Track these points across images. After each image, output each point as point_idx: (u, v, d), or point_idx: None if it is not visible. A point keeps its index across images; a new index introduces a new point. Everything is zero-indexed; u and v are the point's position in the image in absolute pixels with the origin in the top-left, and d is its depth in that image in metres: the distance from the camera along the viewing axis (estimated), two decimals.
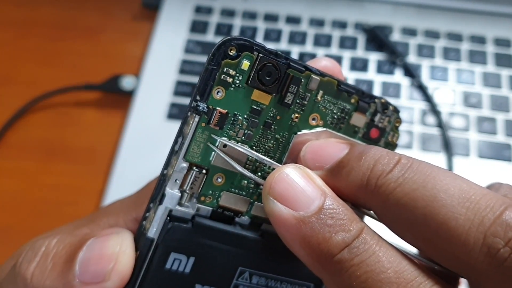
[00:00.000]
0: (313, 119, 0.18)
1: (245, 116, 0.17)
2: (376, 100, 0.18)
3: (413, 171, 0.14)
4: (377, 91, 0.48)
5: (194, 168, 0.16)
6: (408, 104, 0.48)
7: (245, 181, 0.17)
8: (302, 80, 0.17)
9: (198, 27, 0.52)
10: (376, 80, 0.49)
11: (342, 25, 0.53)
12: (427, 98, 0.48)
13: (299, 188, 0.15)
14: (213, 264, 0.17)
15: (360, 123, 0.18)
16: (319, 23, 0.53)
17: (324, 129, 0.18)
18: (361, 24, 0.53)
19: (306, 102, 0.17)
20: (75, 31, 0.57)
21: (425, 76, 0.49)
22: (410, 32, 0.52)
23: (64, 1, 0.59)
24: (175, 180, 0.16)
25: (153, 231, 0.16)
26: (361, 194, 0.15)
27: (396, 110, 0.19)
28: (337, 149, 0.16)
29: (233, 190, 0.17)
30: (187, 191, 0.16)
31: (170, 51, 0.51)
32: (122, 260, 0.16)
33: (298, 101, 0.17)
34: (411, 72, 0.49)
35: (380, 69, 0.50)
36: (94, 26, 0.57)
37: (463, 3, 0.54)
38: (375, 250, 0.14)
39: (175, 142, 0.16)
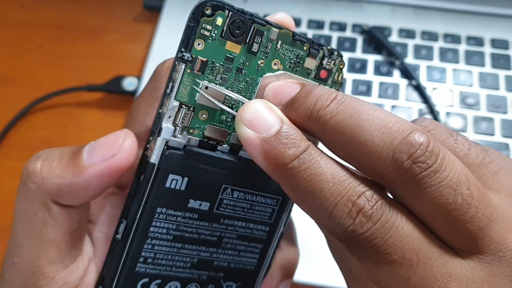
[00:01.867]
0: (275, 64, 0.22)
1: (221, 63, 0.20)
2: (323, 47, 0.22)
3: (345, 105, 0.18)
4: (375, 92, 0.49)
5: (183, 106, 0.20)
6: (406, 105, 0.48)
7: (224, 116, 0.21)
8: (264, 32, 0.21)
9: None
10: (374, 81, 0.49)
11: (340, 26, 0.53)
12: (425, 99, 0.48)
13: (263, 117, 0.19)
14: (202, 183, 0.21)
15: (312, 66, 0.22)
16: (318, 24, 0.53)
17: (284, 72, 0.22)
18: (359, 25, 0.53)
19: (268, 50, 0.21)
20: (78, 32, 0.57)
21: (423, 77, 0.50)
22: (408, 33, 0.53)
23: (66, 3, 0.60)
24: (169, 117, 0.20)
25: (154, 158, 0.20)
26: (307, 123, 0.19)
27: (339, 55, 0.23)
28: (292, 88, 0.20)
29: (214, 123, 0.21)
30: (179, 125, 0.20)
31: (171, 53, 0.51)
32: (128, 140, 0.20)
33: (262, 49, 0.21)
34: (409, 73, 0.49)
35: (378, 70, 0.50)
36: (96, 28, 0.57)
37: (460, 4, 0.55)
38: (317, 160, 0.18)
39: (167, 86, 0.20)
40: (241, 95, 0.21)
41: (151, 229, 0.21)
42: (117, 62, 0.54)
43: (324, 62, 0.23)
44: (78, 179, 0.19)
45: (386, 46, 0.51)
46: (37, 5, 0.60)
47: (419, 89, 0.49)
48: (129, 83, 0.50)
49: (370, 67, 0.50)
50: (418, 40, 0.52)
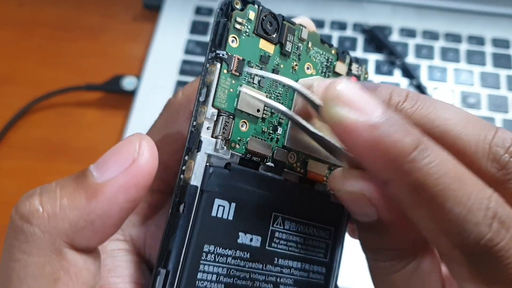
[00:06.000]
0: (307, 68, 0.20)
1: (257, 63, 0.18)
2: (348, 53, 0.21)
3: (422, 100, 0.17)
4: None
5: (222, 113, 0.17)
6: None
7: (265, 127, 0.18)
8: (296, 31, 0.19)
9: (198, 28, 0.52)
10: (375, 80, 0.49)
11: (341, 25, 0.53)
12: None
13: (365, 96, 0.15)
14: (251, 210, 0.18)
15: (342, 71, 0.21)
16: (318, 23, 0.53)
17: (318, 76, 0.20)
18: (360, 24, 0.53)
19: (300, 52, 0.19)
20: (77, 31, 0.57)
21: (424, 77, 0.50)
22: (409, 32, 0.53)
23: (66, 2, 0.59)
24: (207, 128, 0.17)
25: (195, 178, 0.16)
26: None
27: (363, 62, 0.22)
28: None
29: (256, 136, 0.18)
30: (220, 137, 0.17)
31: (171, 52, 0.51)
32: (146, 140, 0.15)
33: (294, 50, 0.19)
34: (410, 72, 0.49)
35: (379, 70, 0.50)
36: (95, 27, 0.57)
37: (461, 4, 0.54)
38: (440, 152, 0.15)
39: (199, 93, 0.17)
40: (279, 102, 0.18)
41: (199, 275, 0.16)
42: (117, 62, 0.54)
43: (353, 68, 0.21)
44: (97, 204, 0.15)
45: (387, 46, 0.51)
46: (36, 5, 0.59)
47: (420, 89, 0.48)
48: (128, 83, 0.50)
49: (371, 67, 0.50)
50: (419, 40, 0.52)
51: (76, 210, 0.15)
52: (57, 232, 0.15)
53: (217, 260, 0.17)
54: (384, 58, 0.51)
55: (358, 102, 0.15)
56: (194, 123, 0.17)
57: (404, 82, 0.49)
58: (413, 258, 0.18)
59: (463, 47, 0.51)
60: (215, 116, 0.17)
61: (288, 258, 0.19)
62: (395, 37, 0.52)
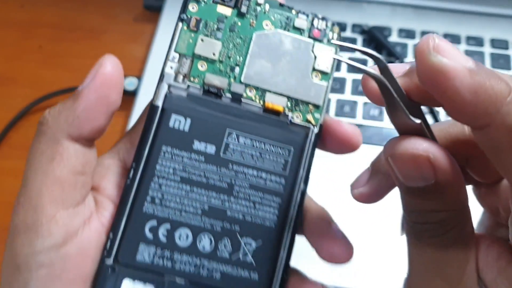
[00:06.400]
0: (266, 25, 0.24)
1: (214, 21, 0.23)
2: (311, 13, 0.25)
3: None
4: None
5: (184, 57, 0.23)
6: None
7: (222, 67, 0.23)
8: None
9: None
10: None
11: (340, 26, 0.53)
12: None
13: (456, 49, 0.17)
14: (205, 126, 0.23)
15: (303, 26, 0.24)
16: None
17: (276, 29, 0.24)
18: (359, 25, 0.53)
19: (257, 13, 0.24)
20: (78, 32, 0.57)
21: None
22: (408, 33, 0.53)
23: (66, 3, 0.60)
24: (170, 67, 0.23)
25: (158, 101, 0.22)
26: None
27: (327, 19, 0.25)
28: None
29: (214, 73, 0.23)
30: (180, 72, 0.23)
31: None
32: (108, 56, 0.22)
33: (251, 12, 0.24)
34: None
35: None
36: (96, 28, 0.58)
37: (460, 4, 0.55)
38: None
39: (170, 45, 0.23)
40: (237, 51, 0.24)
41: (157, 167, 0.22)
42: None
43: (315, 23, 0.24)
44: (79, 102, 0.21)
45: (386, 46, 0.51)
46: (37, 5, 0.60)
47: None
48: (129, 83, 0.50)
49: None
50: (418, 40, 0.52)
51: (67, 111, 0.21)
52: (57, 127, 0.21)
53: (173, 158, 0.22)
54: (383, 58, 0.51)
55: (454, 52, 0.16)
56: (163, 67, 0.23)
57: None
58: (454, 227, 0.19)
59: (462, 47, 0.52)
60: (176, 58, 0.23)
61: (243, 166, 0.23)
62: (394, 38, 0.52)
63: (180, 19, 0.23)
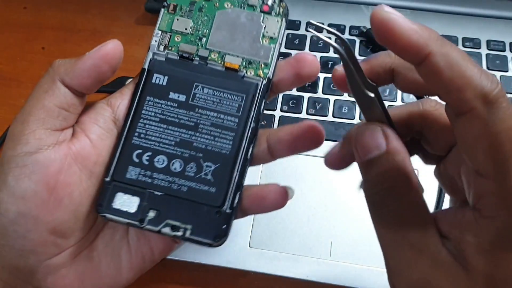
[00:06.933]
0: (227, 5, 0.31)
1: (187, 6, 0.31)
2: None
3: None
4: None
5: (164, 33, 0.31)
6: None
7: (192, 38, 0.30)
8: None
9: None
10: None
11: (339, 28, 0.54)
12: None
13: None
14: (178, 81, 0.30)
15: (256, 3, 0.31)
16: (316, 27, 0.54)
17: (234, 8, 0.31)
18: (357, 27, 0.54)
19: None
20: (80, 34, 0.58)
21: None
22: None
23: (69, 5, 0.60)
24: (155, 40, 0.31)
25: (145, 65, 0.30)
26: None
27: None
28: None
29: (186, 43, 0.31)
30: (161, 44, 0.30)
31: None
32: (112, 39, 0.29)
33: None
34: None
35: None
36: (99, 30, 0.58)
37: (457, 6, 0.55)
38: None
39: (156, 25, 0.31)
40: (204, 26, 0.31)
41: (143, 112, 0.30)
42: (120, 64, 0.55)
43: (265, 0, 0.31)
44: (78, 62, 0.28)
45: (383, 48, 0.51)
46: (40, 8, 0.60)
47: None
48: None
49: None
50: None
51: (68, 64, 0.28)
52: (57, 72, 0.28)
53: (154, 105, 0.30)
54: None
55: (397, 12, 0.22)
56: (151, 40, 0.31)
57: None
58: (404, 195, 0.23)
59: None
60: (159, 34, 0.31)
61: (206, 109, 0.30)
62: None
63: (163, 6, 0.31)
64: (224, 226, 0.29)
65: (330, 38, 0.25)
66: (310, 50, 0.52)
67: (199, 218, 0.29)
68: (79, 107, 0.29)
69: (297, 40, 0.53)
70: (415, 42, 0.21)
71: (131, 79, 0.32)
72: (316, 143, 0.29)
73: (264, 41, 0.30)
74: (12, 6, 0.61)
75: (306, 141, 0.29)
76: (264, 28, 0.30)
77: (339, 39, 0.25)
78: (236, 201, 0.29)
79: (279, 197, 0.29)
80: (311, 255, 0.40)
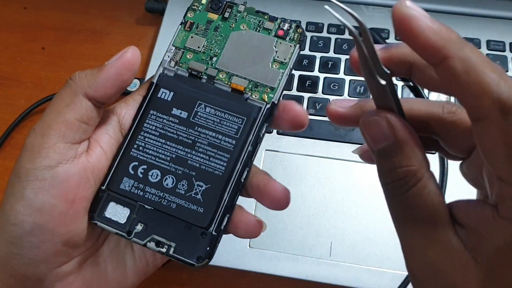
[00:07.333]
0: (242, 26, 0.31)
1: (204, 24, 0.31)
2: (280, 18, 0.31)
3: None
4: None
5: (177, 49, 0.31)
6: None
7: (203, 57, 0.31)
8: (234, 6, 0.31)
9: None
10: None
11: (339, 29, 0.54)
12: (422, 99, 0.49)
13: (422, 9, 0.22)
14: (183, 97, 0.30)
15: (271, 27, 0.31)
16: (316, 27, 0.54)
17: (249, 30, 0.31)
18: (357, 27, 0.54)
19: (237, 18, 0.31)
20: (81, 34, 0.58)
21: None
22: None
23: (70, 6, 0.60)
24: (168, 56, 0.31)
25: (155, 79, 0.30)
26: None
27: (297, 23, 0.31)
28: None
29: (196, 61, 0.31)
30: (173, 60, 0.31)
31: None
32: (132, 47, 0.29)
33: (232, 16, 0.31)
34: None
35: None
36: (99, 30, 0.58)
37: (457, 7, 0.55)
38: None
39: (171, 41, 0.31)
40: (217, 46, 0.31)
41: (145, 125, 0.30)
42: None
43: (281, 25, 0.31)
44: (101, 73, 0.28)
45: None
46: (40, 8, 0.60)
47: (416, 90, 0.49)
48: (132, 85, 0.51)
49: None
50: None
51: (90, 76, 0.28)
52: (79, 85, 0.28)
53: (156, 119, 0.30)
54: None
55: (421, 10, 0.21)
56: (163, 56, 0.31)
57: (400, 83, 0.50)
58: (416, 183, 0.23)
59: None
60: (173, 50, 0.31)
61: (206, 128, 0.30)
62: (392, 40, 0.53)
63: (181, 23, 0.31)
64: (208, 248, 0.28)
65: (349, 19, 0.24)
66: (310, 50, 0.52)
67: (184, 237, 0.29)
68: (97, 119, 0.29)
69: None
70: (433, 44, 0.21)
71: (136, 88, 0.33)
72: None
73: (273, 66, 0.30)
74: (12, 6, 0.61)
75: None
76: (276, 52, 0.30)
77: (356, 22, 0.23)
78: (223, 223, 0.29)
79: (251, 229, 0.29)
80: (311, 255, 0.40)
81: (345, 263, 0.40)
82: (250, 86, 0.30)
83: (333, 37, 0.53)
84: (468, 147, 0.26)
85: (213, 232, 0.29)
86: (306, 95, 0.49)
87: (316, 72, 0.51)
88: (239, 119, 0.30)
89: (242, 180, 0.29)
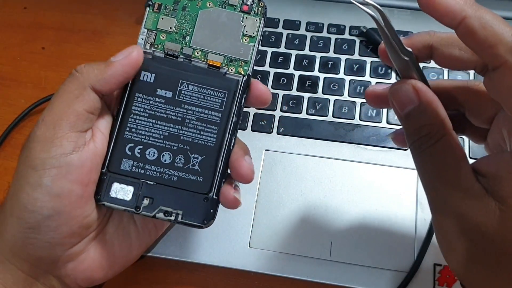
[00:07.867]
0: (209, 4, 0.33)
1: (170, 5, 0.32)
2: None
3: None
4: None
5: (150, 32, 0.33)
6: None
7: (176, 37, 0.32)
8: None
9: None
10: (372, 82, 0.50)
11: (338, 28, 0.54)
12: None
13: None
14: (165, 78, 0.32)
15: (236, 3, 0.33)
16: (316, 27, 0.54)
17: (216, 7, 0.33)
18: (357, 27, 0.54)
19: None
20: (80, 34, 0.58)
21: None
22: (405, 35, 0.53)
23: (69, 5, 0.60)
24: (141, 38, 0.33)
25: None
26: None
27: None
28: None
29: (171, 41, 0.32)
30: (147, 42, 0.32)
31: None
32: (137, 47, 0.32)
33: None
34: None
35: (376, 72, 0.51)
36: (99, 30, 0.58)
37: None
38: None
39: (142, 24, 0.33)
40: (187, 24, 0.33)
41: (133, 108, 0.32)
42: None
43: (245, 0, 0.33)
44: (108, 68, 0.30)
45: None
46: (40, 8, 0.60)
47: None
48: None
49: (368, 69, 0.51)
50: None
51: (98, 71, 0.31)
52: (87, 77, 0.30)
53: (143, 101, 0.32)
54: (381, 60, 0.51)
55: None
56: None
57: None
58: (440, 138, 0.26)
59: None
60: (145, 32, 0.32)
61: (192, 105, 0.32)
62: None
63: (148, 5, 0.33)
64: (211, 210, 0.32)
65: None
66: (310, 50, 0.52)
67: (189, 204, 0.32)
68: (100, 109, 0.32)
69: (297, 40, 0.53)
70: (452, 8, 0.24)
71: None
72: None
73: (244, 40, 0.32)
74: (12, 6, 0.61)
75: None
76: (244, 27, 0.32)
77: (375, 8, 0.27)
78: (221, 187, 0.32)
79: (227, 204, 0.32)
80: (311, 255, 0.41)
81: (345, 263, 0.40)
82: (226, 61, 0.32)
83: (333, 37, 0.53)
84: (489, 117, 0.29)
85: (214, 196, 0.32)
86: (306, 95, 0.49)
87: (316, 72, 0.51)
88: (221, 93, 0.32)
89: (232, 148, 0.32)
